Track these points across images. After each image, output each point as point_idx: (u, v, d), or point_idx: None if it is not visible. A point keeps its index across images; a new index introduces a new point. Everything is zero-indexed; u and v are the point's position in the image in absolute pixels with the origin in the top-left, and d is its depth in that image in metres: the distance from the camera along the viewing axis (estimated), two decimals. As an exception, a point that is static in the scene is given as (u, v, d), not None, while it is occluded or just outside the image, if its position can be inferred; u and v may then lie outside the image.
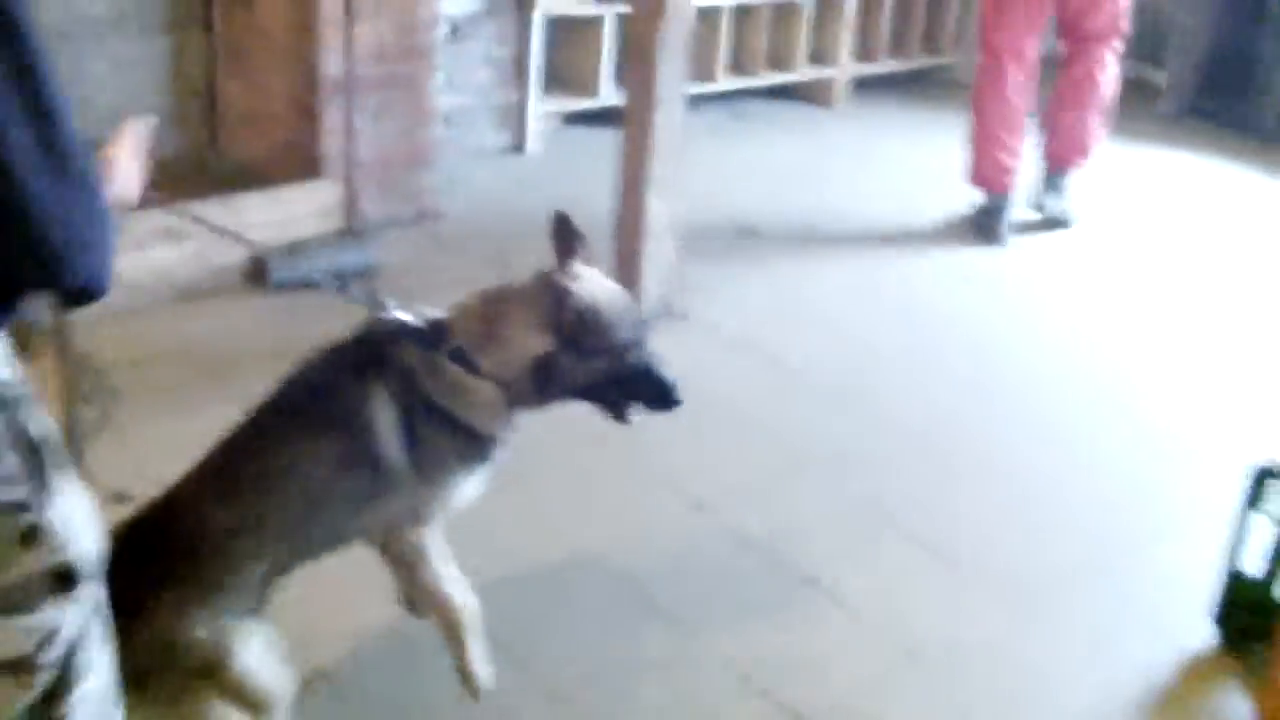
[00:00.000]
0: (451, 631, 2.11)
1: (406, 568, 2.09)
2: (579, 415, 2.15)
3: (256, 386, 2.04)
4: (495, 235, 4.25)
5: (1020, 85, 4.73)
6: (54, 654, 1.26)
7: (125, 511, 1.96)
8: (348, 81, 4.04)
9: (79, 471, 1.33)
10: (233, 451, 1.96)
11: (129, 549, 1.72)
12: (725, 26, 5.66)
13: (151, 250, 3.62)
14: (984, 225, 4.83)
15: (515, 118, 5.15)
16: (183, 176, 4.03)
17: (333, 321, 2.12)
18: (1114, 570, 2.99)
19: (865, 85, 6.38)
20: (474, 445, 2.03)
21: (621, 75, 4.98)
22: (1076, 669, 2.65)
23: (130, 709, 1.43)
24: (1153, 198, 5.44)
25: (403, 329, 2.01)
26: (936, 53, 6.66)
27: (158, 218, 3.57)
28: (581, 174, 4.71)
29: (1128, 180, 5.51)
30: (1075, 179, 5.02)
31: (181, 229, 3.65)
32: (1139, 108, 6.20)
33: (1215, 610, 2.72)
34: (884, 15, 6.32)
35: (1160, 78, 6.50)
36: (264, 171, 4.24)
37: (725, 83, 5.81)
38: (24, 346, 1.33)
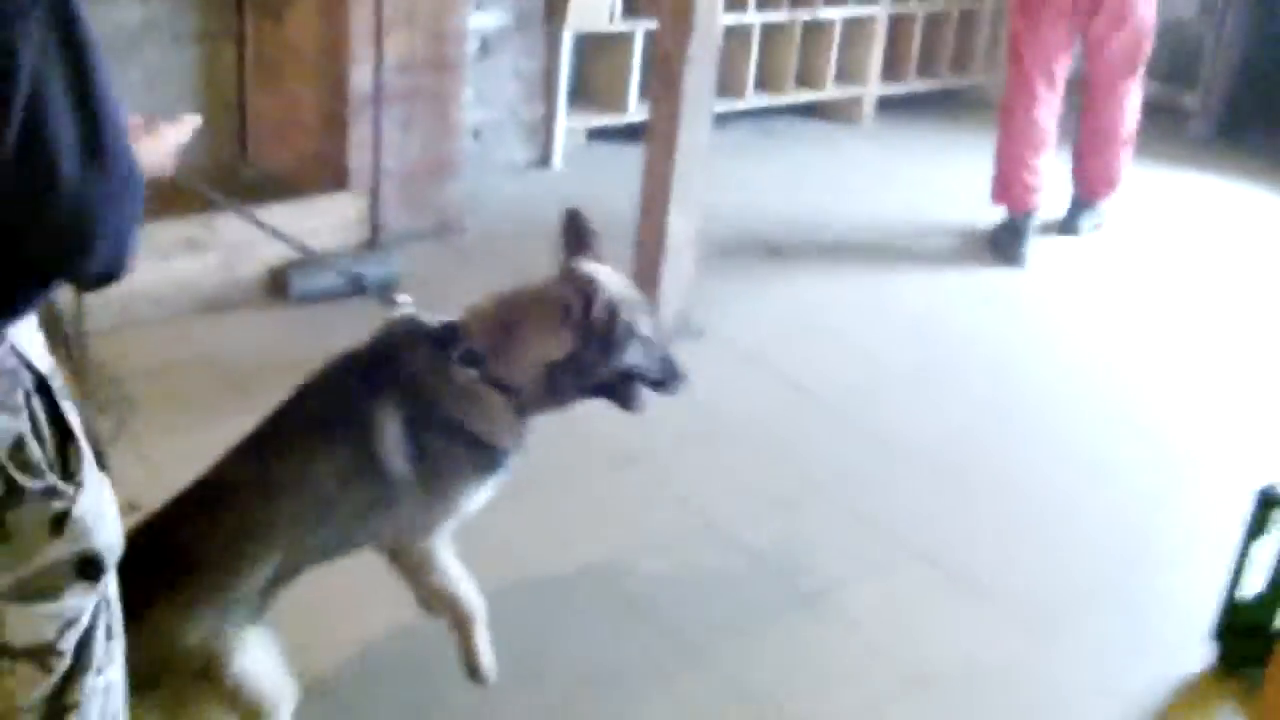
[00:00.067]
0: (462, 626, 2.17)
1: (416, 573, 2.12)
2: (591, 430, 2.17)
3: (274, 398, 2.06)
4: (518, 249, 4.21)
5: (1049, 106, 4.75)
6: (71, 640, 1.28)
7: (134, 520, 1.98)
8: (376, 94, 4.07)
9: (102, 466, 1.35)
10: (243, 457, 1.98)
11: (137, 552, 1.74)
12: (754, 44, 5.68)
13: (173, 261, 3.66)
14: (1005, 244, 4.83)
15: (542, 132, 5.19)
16: (213, 186, 4.06)
17: (352, 334, 2.13)
18: (1125, 591, 2.97)
19: (893, 104, 6.39)
20: (483, 455, 2.04)
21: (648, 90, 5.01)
22: (1085, 691, 2.64)
23: (130, 709, 1.45)
24: (1178, 221, 5.41)
25: (417, 331, 2.03)
26: (965, 73, 6.66)
27: (179, 228, 3.62)
28: (607, 189, 4.71)
29: (1154, 203, 5.48)
30: (1106, 204, 5.10)
31: (203, 240, 3.70)
32: (1169, 131, 6.17)
33: (1215, 633, 2.73)
34: (914, 35, 6.33)
35: (1191, 101, 6.46)
36: (293, 182, 4.29)
37: (753, 100, 5.83)
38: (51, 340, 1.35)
